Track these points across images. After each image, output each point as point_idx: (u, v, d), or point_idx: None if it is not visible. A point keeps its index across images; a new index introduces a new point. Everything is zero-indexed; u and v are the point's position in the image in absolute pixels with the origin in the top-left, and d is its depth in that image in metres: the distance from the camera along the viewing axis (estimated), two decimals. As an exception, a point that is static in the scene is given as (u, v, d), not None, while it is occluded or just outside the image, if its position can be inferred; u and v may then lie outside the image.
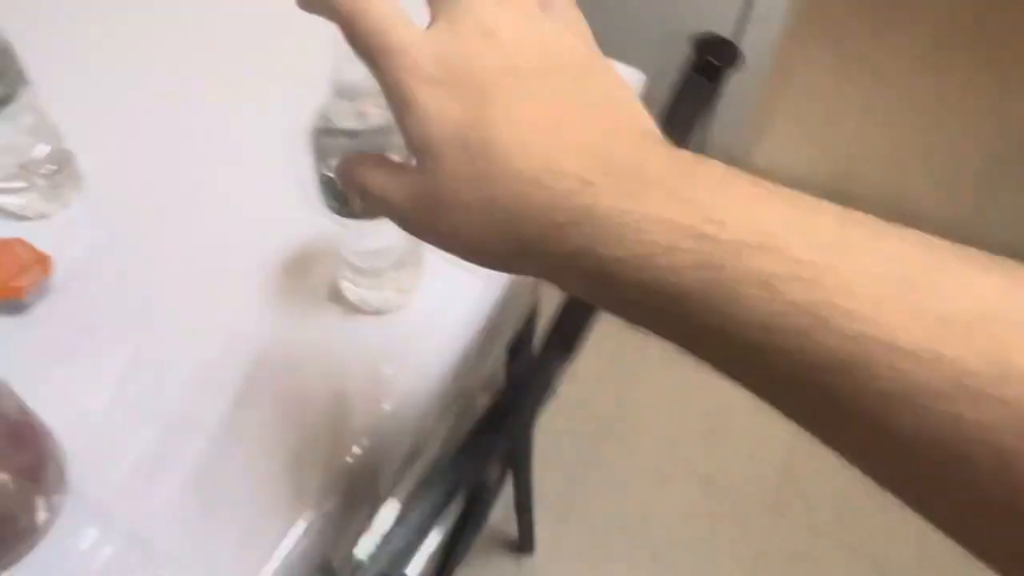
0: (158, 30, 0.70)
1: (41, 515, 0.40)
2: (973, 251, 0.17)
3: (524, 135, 0.22)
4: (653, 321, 0.20)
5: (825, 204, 0.19)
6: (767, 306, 0.17)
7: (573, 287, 0.22)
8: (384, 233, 0.47)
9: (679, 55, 1.28)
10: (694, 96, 0.39)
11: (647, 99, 0.68)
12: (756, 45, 1.23)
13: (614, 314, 0.22)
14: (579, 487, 1.25)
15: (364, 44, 0.24)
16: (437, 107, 0.23)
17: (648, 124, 0.23)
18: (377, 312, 0.52)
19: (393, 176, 0.26)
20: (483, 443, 0.41)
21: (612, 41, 0.73)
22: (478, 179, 0.22)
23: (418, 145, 0.24)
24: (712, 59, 0.38)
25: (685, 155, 0.21)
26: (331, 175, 0.42)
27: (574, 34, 0.25)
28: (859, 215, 0.18)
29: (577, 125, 0.22)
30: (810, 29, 1.75)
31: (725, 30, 1.21)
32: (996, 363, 0.14)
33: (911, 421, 0.15)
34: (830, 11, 1.94)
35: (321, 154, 0.42)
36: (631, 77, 0.68)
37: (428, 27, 0.24)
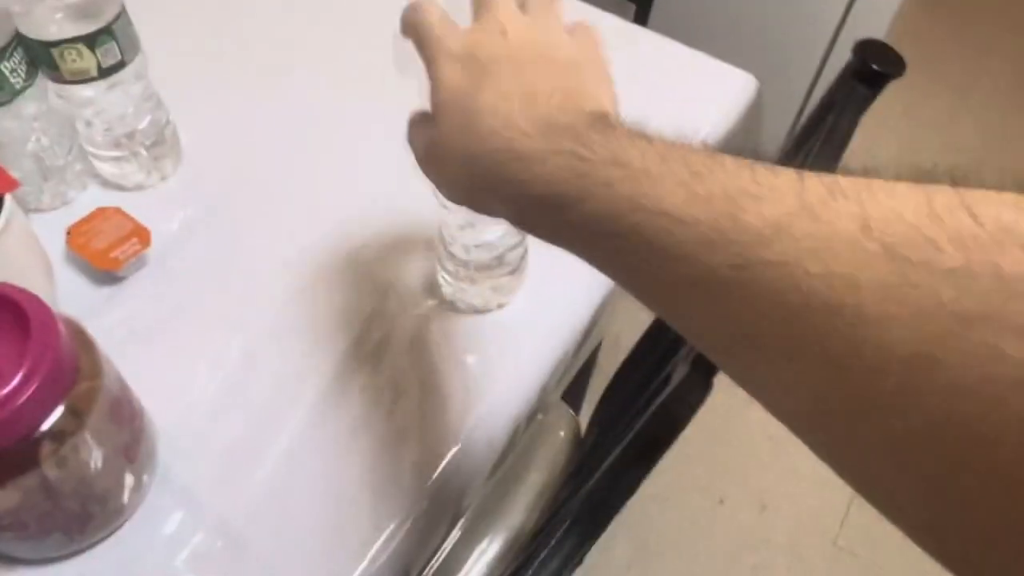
0: (269, 6, 0.69)
1: (129, 494, 0.39)
2: (758, 165, 0.23)
3: (500, 103, 0.30)
4: (553, 228, 0.28)
5: (671, 143, 0.25)
6: (607, 198, 0.25)
7: (516, 215, 0.30)
8: (492, 228, 0.45)
9: (786, 59, 1.23)
10: (852, 102, 0.36)
11: (761, 102, 0.66)
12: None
13: (547, 238, 0.29)
14: (631, 502, 1.22)
15: (416, 36, 0.34)
16: (450, 77, 0.32)
17: (598, 105, 0.30)
18: (472, 310, 0.50)
19: (422, 128, 0.34)
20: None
21: (732, 47, 0.70)
22: (462, 133, 0.30)
23: (434, 104, 0.32)
24: (875, 66, 0.36)
25: (601, 117, 0.28)
26: None
27: (580, 46, 0.33)
28: (688, 146, 0.25)
29: (543, 100, 0.29)
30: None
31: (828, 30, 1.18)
32: (727, 216, 0.21)
33: (682, 267, 0.22)
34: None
35: None
36: (745, 81, 0.65)
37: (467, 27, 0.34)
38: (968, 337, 0.16)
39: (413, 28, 0.34)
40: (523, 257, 0.49)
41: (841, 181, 0.21)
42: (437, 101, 0.32)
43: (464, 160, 0.31)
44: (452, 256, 0.47)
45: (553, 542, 0.32)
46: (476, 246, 0.46)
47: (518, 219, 0.31)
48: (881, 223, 0.19)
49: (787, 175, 0.22)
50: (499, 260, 0.47)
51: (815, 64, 1.23)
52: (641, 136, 0.26)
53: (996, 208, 0.18)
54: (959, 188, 0.19)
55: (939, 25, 1.95)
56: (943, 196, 0.19)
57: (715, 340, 0.23)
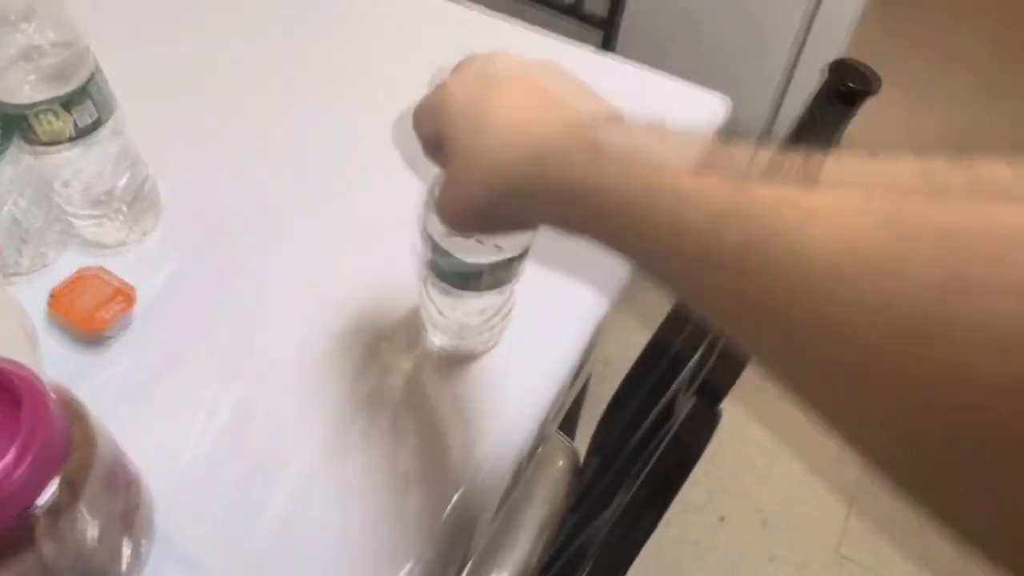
0: (248, 57, 0.69)
1: (128, 564, 0.38)
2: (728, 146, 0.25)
3: (514, 112, 0.31)
4: (571, 221, 0.29)
5: (681, 135, 0.27)
6: (623, 188, 0.26)
7: (533, 217, 0.31)
8: (484, 299, 0.44)
9: (757, 81, 1.25)
10: (828, 122, 0.37)
11: (733, 123, 0.67)
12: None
13: (563, 230, 0.30)
14: (631, 525, 1.21)
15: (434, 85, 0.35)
16: (460, 88, 0.33)
17: (608, 106, 0.32)
18: (465, 354, 0.49)
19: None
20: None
21: (698, 69, 0.71)
22: (476, 150, 0.31)
23: (444, 120, 0.33)
24: (850, 84, 0.36)
25: (616, 116, 0.31)
26: (458, 257, 0.39)
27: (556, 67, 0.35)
28: (697, 138, 0.27)
29: (557, 105, 0.31)
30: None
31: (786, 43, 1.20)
32: (733, 199, 0.23)
33: (693, 244, 0.24)
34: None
35: (431, 232, 0.39)
36: (717, 103, 0.66)
37: None
38: (967, 302, 0.17)
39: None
40: (510, 310, 0.48)
41: (844, 158, 0.22)
42: (449, 114, 0.33)
43: (480, 176, 0.31)
44: (441, 314, 0.46)
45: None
46: (468, 312, 0.46)
47: (534, 220, 0.32)
48: (882, 190, 0.20)
49: (792, 158, 0.23)
50: (487, 321, 0.47)
51: (779, 82, 1.26)
52: (655, 131, 0.28)
53: (991, 166, 0.19)
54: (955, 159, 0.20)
55: (898, 35, 2.00)
56: (941, 162, 0.20)
57: (726, 312, 0.24)
